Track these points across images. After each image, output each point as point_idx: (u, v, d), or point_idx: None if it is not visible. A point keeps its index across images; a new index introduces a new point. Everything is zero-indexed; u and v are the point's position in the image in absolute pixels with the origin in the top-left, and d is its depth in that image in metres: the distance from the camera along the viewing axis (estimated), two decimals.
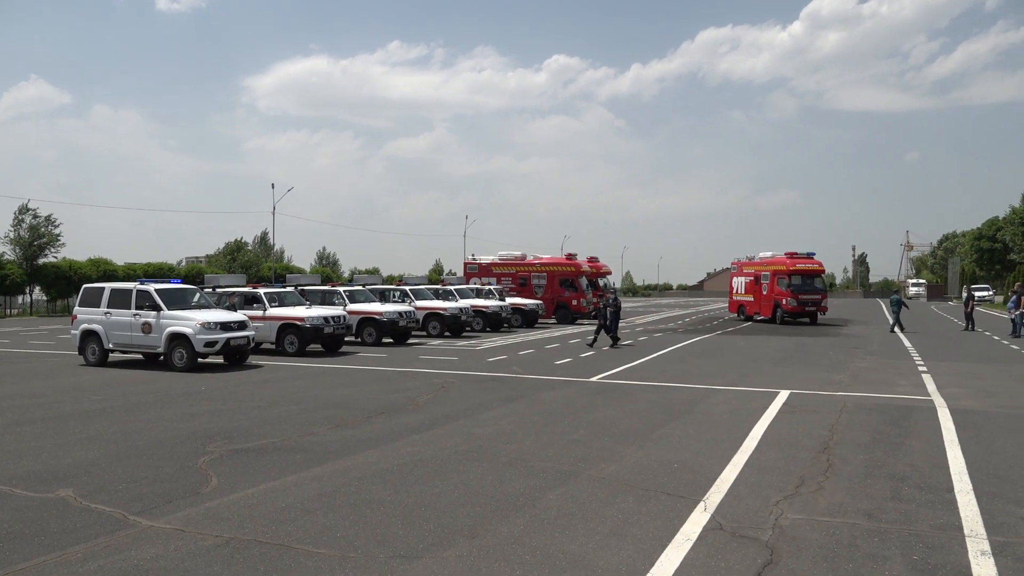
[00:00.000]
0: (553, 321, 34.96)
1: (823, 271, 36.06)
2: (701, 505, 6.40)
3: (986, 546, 5.42)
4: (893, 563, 5.11)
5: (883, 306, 58.97)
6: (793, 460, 8.04)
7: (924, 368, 16.56)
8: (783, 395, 12.59)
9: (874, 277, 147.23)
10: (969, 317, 30.22)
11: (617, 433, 9.49)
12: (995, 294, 68.17)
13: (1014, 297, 28.40)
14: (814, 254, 35.77)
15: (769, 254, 36.82)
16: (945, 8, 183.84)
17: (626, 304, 62.43)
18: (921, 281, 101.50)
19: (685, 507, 6.34)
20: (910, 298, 78.90)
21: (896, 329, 29.46)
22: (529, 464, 7.88)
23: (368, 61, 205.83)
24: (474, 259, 38.78)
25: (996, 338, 25.63)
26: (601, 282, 37.36)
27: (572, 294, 35.31)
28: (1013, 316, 26.75)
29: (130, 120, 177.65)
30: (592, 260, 41.50)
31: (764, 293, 36.08)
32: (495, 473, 7.51)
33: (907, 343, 23.75)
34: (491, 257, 38.40)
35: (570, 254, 38.35)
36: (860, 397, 12.46)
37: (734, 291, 40.94)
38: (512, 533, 5.70)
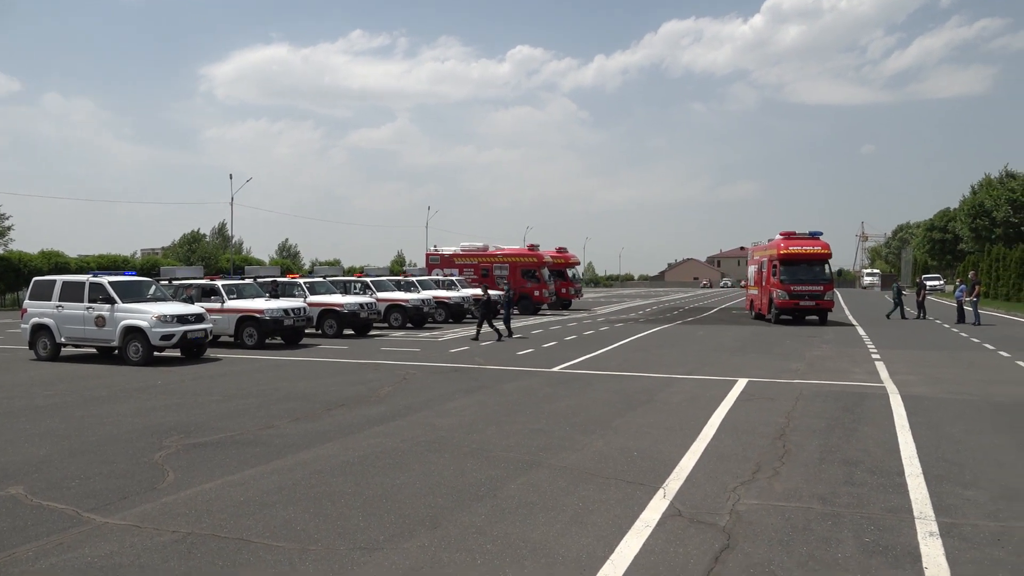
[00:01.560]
0: (516, 312, 35.01)
1: (828, 255, 27.76)
2: (660, 492, 6.48)
3: (934, 527, 5.58)
4: (846, 545, 5.24)
5: (838, 295, 60.20)
6: (750, 447, 8.18)
7: (877, 356, 16.95)
8: (741, 383, 12.79)
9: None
10: (921, 306, 31.01)
11: (578, 422, 9.55)
12: (945, 283, 70.00)
13: (962, 286, 29.30)
14: (820, 233, 28.35)
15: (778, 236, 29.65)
16: (902, 3, 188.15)
17: (588, 295, 62.81)
18: (875, 271, 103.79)
19: (645, 494, 6.42)
20: (865, 288, 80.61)
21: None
22: (491, 454, 7.90)
23: (329, 50, 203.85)
24: (436, 250, 38.68)
25: (946, 326, 26.33)
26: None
27: (534, 285, 35.42)
28: (965, 303, 27.52)
29: (83, 108, 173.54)
30: (561, 250, 41.70)
31: (764, 285, 29.65)
32: (457, 463, 7.52)
33: (861, 331, 24.28)
34: (453, 248, 38.33)
35: (532, 245, 38.50)
36: (815, 385, 12.71)
37: (748, 284, 35.27)
38: (473, 523, 5.72)
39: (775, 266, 27.44)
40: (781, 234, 28.67)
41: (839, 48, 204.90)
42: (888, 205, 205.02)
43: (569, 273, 40.42)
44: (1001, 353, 17.39)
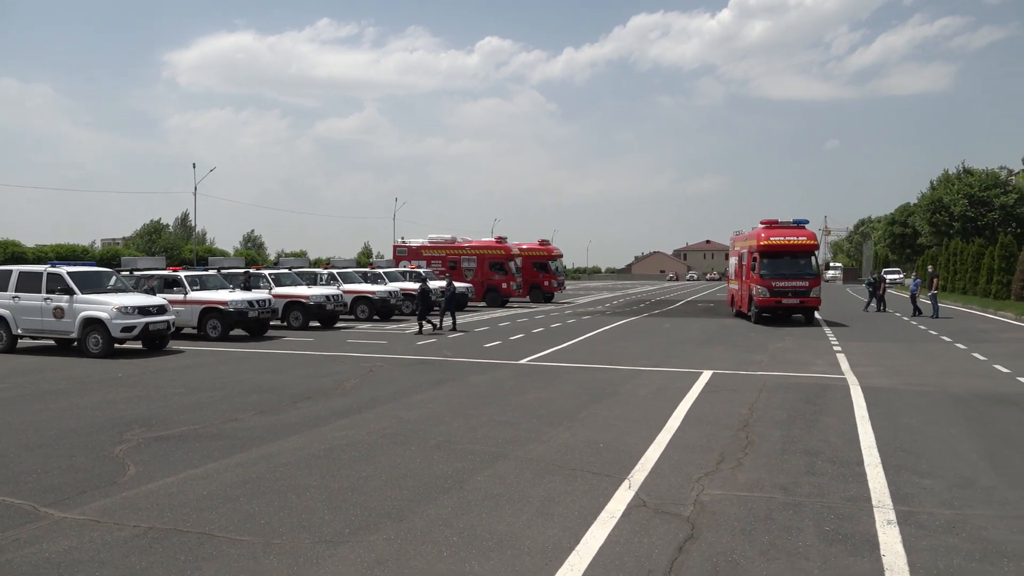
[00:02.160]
0: (483, 304, 35.00)
1: (813, 246, 25.04)
2: (626, 483, 6.53)
3: (892, 516, 5.70)
4: (806, 534, 5.33)
5: None
6: (714, 438, 8.28)
7: (838, 348, 17.24)
8: (706, 375, 12.93)
9: None
10: (881, 299, 31.60)
11: (545, 415, 9.59)
12: (905, 277, 71.43)
13: (916, 280, 29.97)
14: (805, 222, 25.58)
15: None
16: (866, 0, 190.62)
17: None
18: (838, 264, 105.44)
19: (610, 485, 6.47)
20: (827, 281, 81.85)
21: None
22: (457, 446, 7.90)
23: (296, 38, 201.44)
24: (403, 242, 38.49)
25: (905, 319, 26.86)
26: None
27: (502, 277, 35.41)
28: (920, 296, 28.10)
29: (41, 94, 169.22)
30: (543, 243, 41.47)
31: (744, 280, 26.58)
32: (423, 456, 7.50)
33: (823, 324, 24.67)
34: (421, 240, 38.15)
35: (500, 237, 38.43)
36: (778, 376, 12.89)
37: (729, 277, 31.90)
38: (439, 515, 5.72)
39: (755, 259, 24.53)
40: (762, 223, 25.74)
41: (804, 44, 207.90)
42: (851, 200, 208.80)
43: (552, 266, 40.29)
44: (958, 345, 17.80)
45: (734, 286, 29.35)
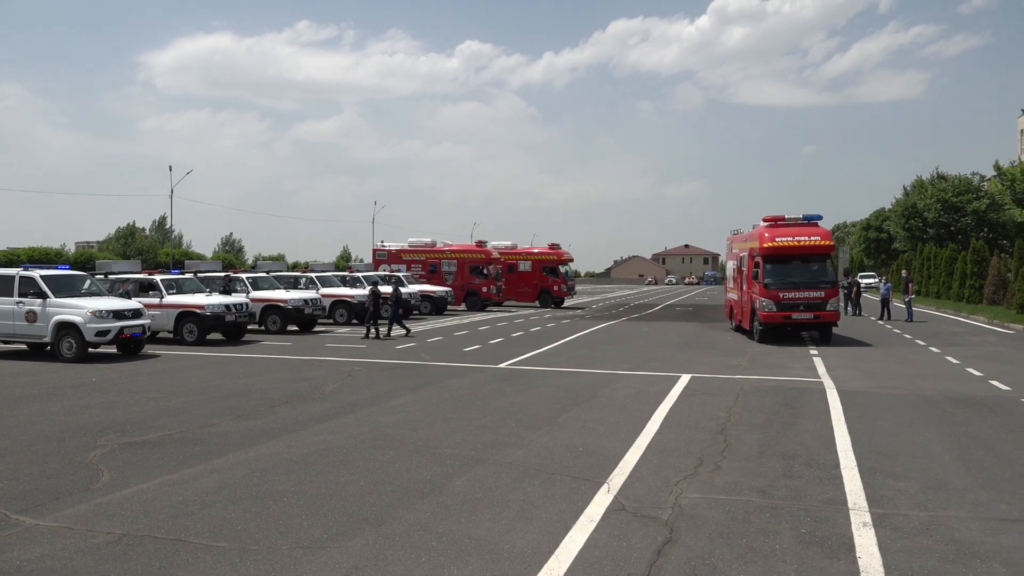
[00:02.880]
0: (463, 308, 34.95)
1: (829, 247, 20.23)
2: (605, 487, 6.54)
3: (868, 518, 5.76)
4: (783, 537, 5.37)
5: None
6: (693, 441, 8.32)
7: (815, 352, 17.40)
8: (684, 379, 12.99)
9: None
10: (856, 303, 31.95)
11: (524, 419, 9.58)
12: (879, 281, 72.24)
13: (887, 284, 30.35)
14: (818, 218, 20.91)
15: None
16: (843, 8, 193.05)
17: None
18: None
19: (589, 489, 6.48)
20: None
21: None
22: (436, 451, 7.87)
23: (275, 40, 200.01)
24: (383, 246, 38.32)
25: (880, 322, 27.17)
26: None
27: (482, 281, 35.37)
28: (894, 299, 28.43)
29: (14, 94, 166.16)
30: (554, 246, 40.54)
31: (745, 288, 21.59)
32: (402, 461, 7.47)
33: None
34: (401, 244, 38.03)
35: (480, 241, 38.38)
36: (756, 380, 12.99)
37: (727, 284, 26.51)
38: (418, 520, 5.69)
39: (757, 264, 19.80)
40: (765, 220, 21.00)
41: (782, 51, 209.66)
42: (826, 205, 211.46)
43: (562, 270, 39.93)
44: (931, 349, 18.03)
45: (732, 295, 24.17)
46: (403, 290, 24.80)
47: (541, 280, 39.02)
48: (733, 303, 24.05)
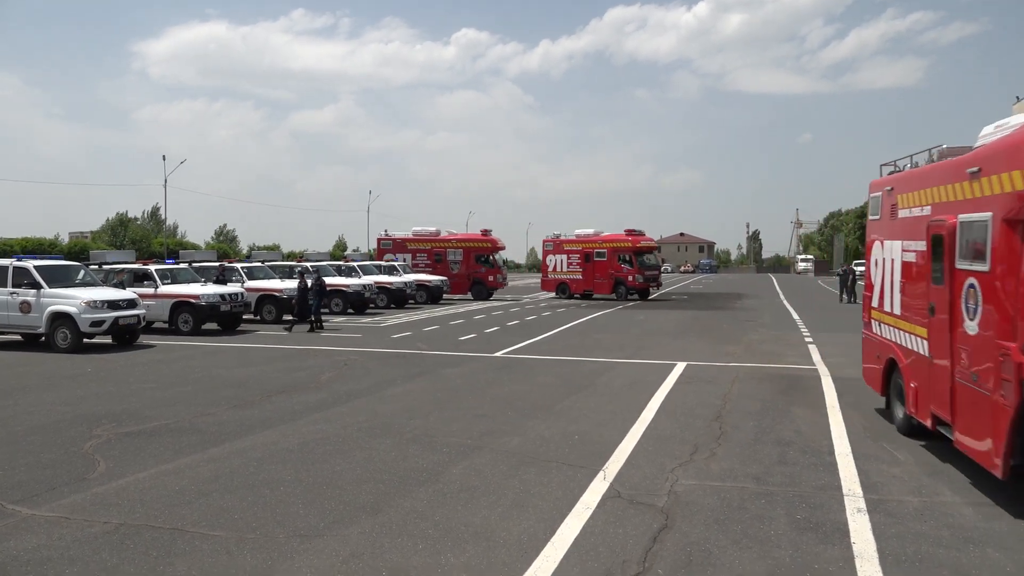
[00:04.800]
0: (469, 297, 34.88)
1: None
2: (601, 474, 6.57)
3: (862, 504, 5.79)
4: (778, 523, 5.40)
5: (774, 281, 61.78)
6: (688, 429, 8.35)
7: (810, 339, 17.45)
8: (680, 367, 13.02)
9: (766, 253, 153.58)
10: (851, 291, 32.03)
11: (521, 407, 9.60)
12: None
13: None
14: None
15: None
16: None
17: (530, 280, 62.91)
18: (809, 257, 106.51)
19: (585, 477, 6.50)
20: (799, 273, 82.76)
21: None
22: (433, 439, 7.89)
23: (270, 29, 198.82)
24: (388, 235, 38.01)
25: None
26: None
27: (488, 270, 35.23)
28: None
29: (9, 85, 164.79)
30: (631, 232, 35.76)
31: (949, 324, 6.70)
32: (399, 449, 7.48)
33: (795, 316, 24.96)
34: (405, 232, 37.76)
35: (485, 230, 38.07)
36: (751, 367, 13.02)
37: (873, 298, 9.48)
38: (415, 508, 5.71)
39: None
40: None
41: (780, 38, 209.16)
42: (823, 192, 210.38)
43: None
44: None
45: (896, 335, 8.37)
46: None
47: (616, 270, 34.70)
48: (900, 354, 8.25)
